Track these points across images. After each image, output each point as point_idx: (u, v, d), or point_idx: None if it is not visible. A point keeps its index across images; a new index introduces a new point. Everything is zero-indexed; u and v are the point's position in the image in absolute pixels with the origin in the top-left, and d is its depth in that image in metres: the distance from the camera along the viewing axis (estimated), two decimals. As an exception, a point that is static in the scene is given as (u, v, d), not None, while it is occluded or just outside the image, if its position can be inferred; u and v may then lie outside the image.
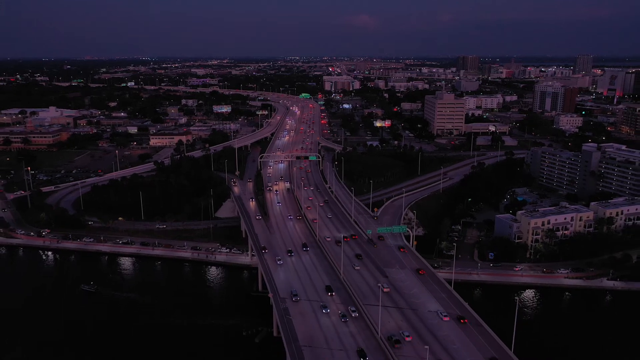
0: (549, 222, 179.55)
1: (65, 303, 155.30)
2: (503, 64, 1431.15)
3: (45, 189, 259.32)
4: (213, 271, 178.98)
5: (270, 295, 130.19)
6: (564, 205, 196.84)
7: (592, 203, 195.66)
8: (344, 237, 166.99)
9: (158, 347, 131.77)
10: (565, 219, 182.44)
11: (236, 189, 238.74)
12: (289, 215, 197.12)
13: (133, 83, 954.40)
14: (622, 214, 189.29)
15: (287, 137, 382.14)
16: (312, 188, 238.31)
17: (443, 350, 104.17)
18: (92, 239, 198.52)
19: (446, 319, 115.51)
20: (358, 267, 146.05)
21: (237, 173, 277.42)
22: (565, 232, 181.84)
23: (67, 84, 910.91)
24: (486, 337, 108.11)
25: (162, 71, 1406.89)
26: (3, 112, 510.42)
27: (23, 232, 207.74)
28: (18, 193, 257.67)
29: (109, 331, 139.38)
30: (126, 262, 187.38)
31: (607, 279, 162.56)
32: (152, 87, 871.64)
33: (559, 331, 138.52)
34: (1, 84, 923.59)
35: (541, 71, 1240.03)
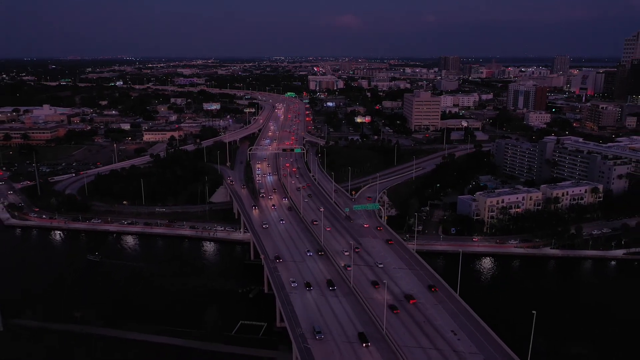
0: (503, 201, 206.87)
1: (71, 270, 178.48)
2: (485, 64, 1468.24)
3: (53, 179, 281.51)
4: (210, 246, 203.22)
5: (262, 257, 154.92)
6: (518, 187, 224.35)
7: (542, 185, 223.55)
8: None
9: (161, 303, 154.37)
10: (517, 198, 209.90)
11: (228, 178, 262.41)
12: (277, 198, 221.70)
13: (121, 82, 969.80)
14: (567, 194, 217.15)
15: (273, 133, 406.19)
16: (297, 176, 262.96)
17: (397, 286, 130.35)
18: (99, 220, 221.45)
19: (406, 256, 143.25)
20: (329, 229, 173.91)
21: (228, 164, 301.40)
22: (518, 210, 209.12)
23: (55, 84, 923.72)
24: (433, 278, 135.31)
25: (148, 71, 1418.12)
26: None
27: (36, 215, 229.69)
28: (24, 183, 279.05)
29: (111, 291, 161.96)
30: (131, 240, 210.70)
31: (550, 248, 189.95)
32: (141, 87, 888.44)
33: (504, 281, 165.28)
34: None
35: (521, 71, 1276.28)
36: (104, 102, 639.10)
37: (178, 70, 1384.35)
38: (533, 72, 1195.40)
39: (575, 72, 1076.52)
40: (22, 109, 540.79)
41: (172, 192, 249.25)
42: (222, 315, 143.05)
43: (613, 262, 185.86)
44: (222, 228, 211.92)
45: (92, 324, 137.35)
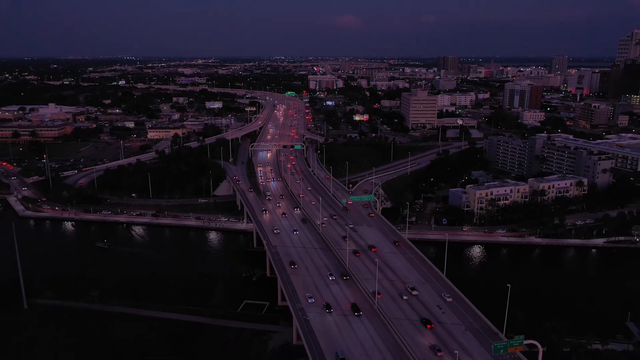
0: (491, 194, 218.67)
1: (81, 255, 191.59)
2: (484, 64, 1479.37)
3: (63, 174, 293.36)
4: (214, 235, 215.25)
5: (264, 242, 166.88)
6: (507, 181, 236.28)
7: (530, 179, 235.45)
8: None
9: (170, 285, 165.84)
10: (505, 191, 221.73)
11: (235, 177, 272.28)
12: (278, 192, 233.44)
13: (124, 82, 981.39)
14: (553, 187, 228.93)
15: (274, 130, 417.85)
16: (299, 174, 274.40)
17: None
18: (110, 212, 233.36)
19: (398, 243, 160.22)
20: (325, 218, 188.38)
21: (230, 160, 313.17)
22: (506, 201, 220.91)
23: (58, 83, 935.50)
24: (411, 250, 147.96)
25: (149, 70, 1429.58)
26: (3, 108, 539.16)
27: (49, 206, 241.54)
28: (34, 178, 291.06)
29: (122, 274, 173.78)
30: (139, 230, 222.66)
31: (535, 237, 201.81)
32: (143, 86, 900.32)
33: (490, 266, 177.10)
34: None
35: (519, 71, 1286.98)
36: (107, 101, 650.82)
37: (179, 69, 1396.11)
38: (531, 72, 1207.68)
39: (573, 72, 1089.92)
40: (28, 107, 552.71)
41: (177, 186, 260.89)
42: (228, 295, 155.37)
43: (594, 250, 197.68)
44: (226, 219, 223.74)
45: (109, 303, 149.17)
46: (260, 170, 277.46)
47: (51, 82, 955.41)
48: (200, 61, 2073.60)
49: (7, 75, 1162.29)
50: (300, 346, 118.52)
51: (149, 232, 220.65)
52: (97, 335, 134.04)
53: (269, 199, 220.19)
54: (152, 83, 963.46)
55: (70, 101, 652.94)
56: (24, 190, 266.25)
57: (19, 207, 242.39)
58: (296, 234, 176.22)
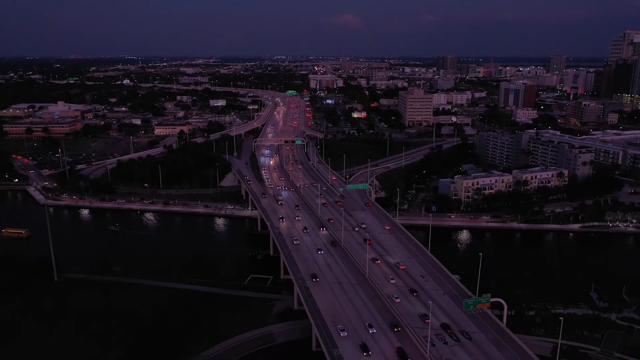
0: (477, 183, 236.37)
1: (96, 238, 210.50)
2: (483, 63, 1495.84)
3: (77, 167, 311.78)
4: (221, 221, 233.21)
5: (268, 224, 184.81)
6: (492, 172, 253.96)
7: (514, 170, 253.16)
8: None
9: (182, 263, 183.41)
10: (490, 181, 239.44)
11: (245, 177, 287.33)
12: (281, 182, 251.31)
13: (128, 81, 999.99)
14: (535, 178, 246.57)
15: (275, 127, 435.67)
16: (299, 166, 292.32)
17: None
18: (124, 200, 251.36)
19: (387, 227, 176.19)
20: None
21: (235, 154, 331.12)
22: (491, 191, 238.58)
23: (64, 82, 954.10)
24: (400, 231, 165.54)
25: (152, 70, 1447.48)
26: (14, 106, 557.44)
27: (67, 195, 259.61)
28: (51, 170, 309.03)
29: (137, 253, 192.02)
30: (151, 216, 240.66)
31: (516, 222, 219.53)
32: (147, 85, 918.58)
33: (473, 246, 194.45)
34: (0, 81, 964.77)
35: (518, 71, 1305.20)
36: (113, 100, 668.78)
37: (181, 69, 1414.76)
38: (529, 72, 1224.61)
39: (570, 71, 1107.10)
40: (37, 105, 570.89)
41: (186, 178, 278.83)
42: (236, 271, 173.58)
43: (571, 234, 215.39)
44: (232, 206, 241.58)
45: (129, 276, 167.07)
46: (263, 163, 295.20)
47: (56, 81, 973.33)
48: (201, 61, 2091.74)
49: (12, 74, 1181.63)
50: (301, 310, 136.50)
51: (161, 219, 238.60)
52: (120, 302, 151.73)
53: (270, 188, 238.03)
54: (155, 82, 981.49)
55: (77, 99, 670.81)
56: (45, 182, 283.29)
57: (39, 197, 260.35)
58: (298, 219, 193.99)
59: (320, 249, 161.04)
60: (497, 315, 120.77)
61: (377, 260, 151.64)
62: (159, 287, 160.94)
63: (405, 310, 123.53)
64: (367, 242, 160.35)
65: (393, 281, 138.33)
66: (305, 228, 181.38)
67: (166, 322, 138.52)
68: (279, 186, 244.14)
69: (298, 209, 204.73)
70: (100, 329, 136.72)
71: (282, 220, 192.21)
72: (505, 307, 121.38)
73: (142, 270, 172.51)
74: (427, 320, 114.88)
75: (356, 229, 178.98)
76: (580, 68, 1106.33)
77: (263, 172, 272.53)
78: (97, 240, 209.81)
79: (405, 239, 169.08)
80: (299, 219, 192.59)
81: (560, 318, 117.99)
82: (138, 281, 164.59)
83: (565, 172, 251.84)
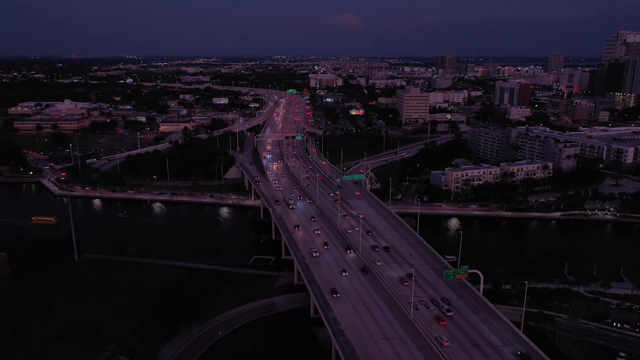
0: (466, 175, 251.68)
1: (107, 224, 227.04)
2: (482, 63, 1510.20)
3: (87, 161, 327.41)
4: (226, 210, 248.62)
5: (270, 210, 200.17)
6: (481, 165, 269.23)
7: (502, 163, 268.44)
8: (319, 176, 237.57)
9: (190, 245, 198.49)
10: (479, 172, 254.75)
11: (256, 177, 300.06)
12: (281, 173, 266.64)
13: (131, 80, 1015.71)
14: (522, 170, 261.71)
15: (276, 124, 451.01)
16: (299, 159, 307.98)
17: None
18: (134, 191, 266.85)
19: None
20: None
21: (238, 149, 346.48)
22: (479, 182, 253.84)
23: (68, 81, 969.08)
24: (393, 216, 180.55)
25: (153, 69, 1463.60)
26: (22, 104, 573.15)
27: (79, 187, 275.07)
28: (63, 164, 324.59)
29: (148, 237, 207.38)
30: (159, 206, 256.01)
31: (503, 211, 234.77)
32: (150, 84, 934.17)
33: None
34: (5, 80, 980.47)
35: (517, 70, 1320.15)
36: (117, 98, 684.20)
37: (182, 68, 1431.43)
38: (527, 72, 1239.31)
39: (566, 71, 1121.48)
40: (44, 103, 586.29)
41: (192, 171, 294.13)
42: (241, 252, 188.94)
43: (553, 222, 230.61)
44: (236, 197, 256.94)
45: (143, 257, 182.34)
46: (265, 157, 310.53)
47: (61, 80, 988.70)
48: (202, 60, 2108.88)
49: (15, 73, 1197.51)
50: (300, 285, 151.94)
51: (169, 208, 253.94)
52: (138, 277, 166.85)
53: (274, 181, 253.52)
54: (157, 81, 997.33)
55: (82, 98, 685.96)
56: (61, 175, 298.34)
57: (53, 188, 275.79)
58: (300, 204, 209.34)
59: (317, 229, 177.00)
60: (478, 290, 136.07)
61: (371, 232, 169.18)
62: (171, 265, 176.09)
63: (388, 276, 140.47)
64: (360, 215, 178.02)
65: (378, 250, 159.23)
66: (305, 214, 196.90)
67: (180, 294, 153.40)
68: (278, 176, 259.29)
69: (299, 197, 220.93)
70: (122, 298, 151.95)
71: (290, 208, 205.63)
72: (482, 278, 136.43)
73: (154, 252, 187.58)
74: (405, 283, 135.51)
75: (352, 215, 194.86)
76: (578, 67, 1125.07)
77: (265, 165, 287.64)
78: (109, 226, 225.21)
79: (397, 224, 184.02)
80: (293, 207, 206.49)
81: (527, 285, 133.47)
82: (152, 261, 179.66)
83: (550, 165, 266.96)
